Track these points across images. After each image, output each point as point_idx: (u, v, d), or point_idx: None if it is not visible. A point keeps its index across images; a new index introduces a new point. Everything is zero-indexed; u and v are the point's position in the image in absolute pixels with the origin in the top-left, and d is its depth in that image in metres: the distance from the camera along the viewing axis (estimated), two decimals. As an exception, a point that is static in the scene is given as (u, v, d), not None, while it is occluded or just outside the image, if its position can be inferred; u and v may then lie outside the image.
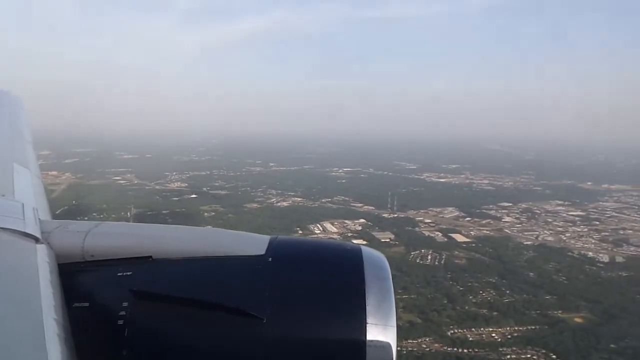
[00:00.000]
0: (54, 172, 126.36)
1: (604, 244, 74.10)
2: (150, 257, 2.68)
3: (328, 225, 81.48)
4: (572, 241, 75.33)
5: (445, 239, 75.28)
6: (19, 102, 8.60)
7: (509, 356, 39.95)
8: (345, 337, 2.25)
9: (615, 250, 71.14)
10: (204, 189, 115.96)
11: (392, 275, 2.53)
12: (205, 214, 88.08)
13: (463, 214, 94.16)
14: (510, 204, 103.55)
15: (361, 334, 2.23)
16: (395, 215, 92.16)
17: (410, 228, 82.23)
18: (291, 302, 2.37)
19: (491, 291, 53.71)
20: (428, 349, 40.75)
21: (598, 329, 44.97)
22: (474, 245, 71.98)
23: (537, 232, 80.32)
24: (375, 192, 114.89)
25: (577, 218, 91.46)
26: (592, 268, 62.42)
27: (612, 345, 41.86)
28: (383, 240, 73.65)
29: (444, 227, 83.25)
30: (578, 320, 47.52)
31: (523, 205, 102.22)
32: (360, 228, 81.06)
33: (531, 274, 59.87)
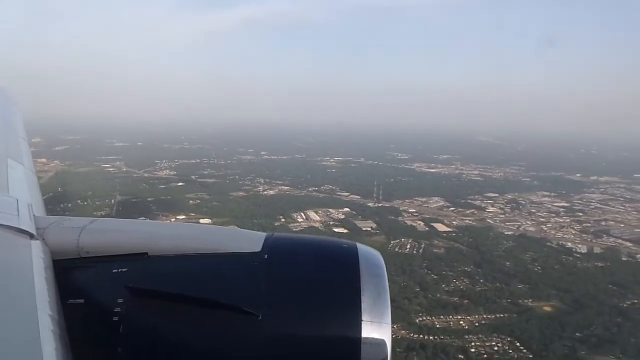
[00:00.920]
0: (43, 160, 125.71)
1: (584, 235, 74.57)
2: (146, 253, 2.67)
3: (312, 214, 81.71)
4: (553, 232, 75.74)
5: (427, 229, 75.61)
6: (13, 97, 8.58)
7: (473, 343, 40.37)
8: (340, 334, 2.26)
9: (594, 241, 71.61)
10: (192, 177, 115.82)
11: None
12: (191, 201, 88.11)
13: (448, 204, 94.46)
14: (497, 195, 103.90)
15: (356, 331, 2.24)
16: (380, 205, 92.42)
17: (393, 217, 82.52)
18: (287, 299, 2.37)
19: (465, 280, 54.12)
20: (394, 336, 40.81)
21: (565, 317, 45.44)
22: (454, 234, 72.32)
23: (519, 223, 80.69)
24: (363, 181, 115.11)
25: (561, 209, 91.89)
26: (568, 258, 62.85)
27: (577, 334, 42.31)
28: (364, 228, 73.95)
29: (427, 216, 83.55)
30: (547, 308, 47.99)
31: (509, 196, 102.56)
32: (343, 217, 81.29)
33: (507, 263, 60.29)
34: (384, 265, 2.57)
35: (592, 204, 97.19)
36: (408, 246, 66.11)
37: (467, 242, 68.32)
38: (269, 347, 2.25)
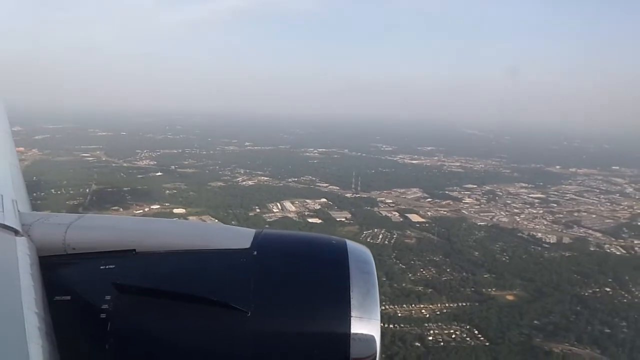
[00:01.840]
0: (21, 148, 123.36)
1: (555, 226, 75.51)
2: (134, 250, 2.63)
3: (288, 204, 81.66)
4: (525, 222, 76.58)
5: (401, 219, 76.04)
6: None
7: (432, 331, 40.82)
8: (329, 330, 2.24)
9: (565, 231, 72.56)
10: (172, 167, 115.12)
11: None
12: (167, 191, 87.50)
13: (426, 195, 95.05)
14: (475, 186, 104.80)
15: (345, 327, 2.22)
16: (358, 195, 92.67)
17: (369, 208, 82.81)
18: (276, 296, 2.35)
19: (432, 269, 54.58)
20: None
21: (526, 306, 46.08)
22: (427, 225, 72.81)
23: (493, 214, 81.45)
24: (344, 172, 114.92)
25: (536, 200, 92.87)
26: (537, 248, 63.65)
27: (535, 322, 42.96)
28: (338, 219, 74.14)
29: (403, 207, 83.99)
30: (509, 297, 48.62)
31: (487, 188, 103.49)
32: (319, 207, 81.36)
33: (476, 253, 60.87)
34: (373, 261, 2.58)
35: (568, 195, 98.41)
36: (380, 236, 66.43)
37: (439, 233, 68.82)
38: (258, 343, 2.23)
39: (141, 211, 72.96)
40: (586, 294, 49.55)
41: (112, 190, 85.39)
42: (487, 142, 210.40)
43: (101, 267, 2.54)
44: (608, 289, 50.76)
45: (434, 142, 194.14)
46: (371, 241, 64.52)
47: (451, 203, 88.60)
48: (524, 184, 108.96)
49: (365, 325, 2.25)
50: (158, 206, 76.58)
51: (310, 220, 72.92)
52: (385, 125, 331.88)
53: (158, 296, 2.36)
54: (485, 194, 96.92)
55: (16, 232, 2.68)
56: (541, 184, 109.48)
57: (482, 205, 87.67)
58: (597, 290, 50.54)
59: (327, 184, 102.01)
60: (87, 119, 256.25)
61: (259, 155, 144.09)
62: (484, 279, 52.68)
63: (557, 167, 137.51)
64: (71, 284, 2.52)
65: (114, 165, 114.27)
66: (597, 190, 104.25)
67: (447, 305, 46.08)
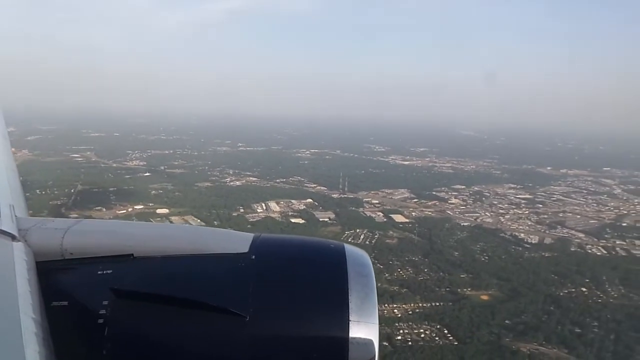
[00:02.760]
0: (12, 149, 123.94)
1: (539, 226, 75.46)
2: (132, 255, 2.62)
3: (273, 205, 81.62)
4: (509, 223, 76.52)
5: (385, 220, 75.94)
6: None
7: (402, 331, 40.72)
8: (328, 334, 2.24)
9: (548, 232, 72.51)
10: (161, 167, 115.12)
11: None
12: (153, 192, 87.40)
13: (413, 196, 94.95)
14: (463, 187, 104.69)
15: (344, 331, 2.22)
16: (345, 196, 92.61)
17: (353, 208, 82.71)
18: (274, 300, 2.34)
19: (409, 269, 54.49)
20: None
21: (499, 305, 46.00)
22: (410, 225, 72.77)
23: (478, 214, 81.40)
24: (334, 173, 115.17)
25: (522, 201, 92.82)
26: (517, 248, 63.58)
27: (506, 321, 42.94)
28: (322, 219, 74.06)
29: (388, 207, 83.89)
30: (484, 297, 48.54)
31: (475, 188, 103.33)
32: (303, 208, 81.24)
33: (456, 253, 60.84)
34: (371, 265, 2.58)
35: (555, 196, 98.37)
36: (362, 236, 66.37)
37: (421, 233, 68.82)
38: (256, 348, 2.22)
39: (124, 211, 72.96)
40: (561, 293, 49.48)
41: (97, 191, 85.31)
42: (481, 143, 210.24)
43: (99, 272, 2.53)
44: (584, 289, 50.70)
45: (427, 143, 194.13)
46: (352, 241, 64.29)
47: (437, 204, 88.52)
48: (512, 185, 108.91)
49: (364, 329, 2.25)
50: (142, 206, 76.50)
51: (293, 220, 72.89)
52: (381, 126, 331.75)
53: (156, 301, 2.35)
54: (472, 195, 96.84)
55: (13, 237, 2.66)
56: (530, 185, 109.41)
57: (468, 206, 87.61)
58: (573, 290, 50.50)
59: (315, 185, 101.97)
60: (82, 120, 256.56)
61: (251, 156, 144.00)
62: (461, 279, 52.61)
63: (548, 168, 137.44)
64: (68, 289, 2.50)
65: (102, 165, 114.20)
66: (585, 191, 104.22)
67: (420, 305, 45.97)
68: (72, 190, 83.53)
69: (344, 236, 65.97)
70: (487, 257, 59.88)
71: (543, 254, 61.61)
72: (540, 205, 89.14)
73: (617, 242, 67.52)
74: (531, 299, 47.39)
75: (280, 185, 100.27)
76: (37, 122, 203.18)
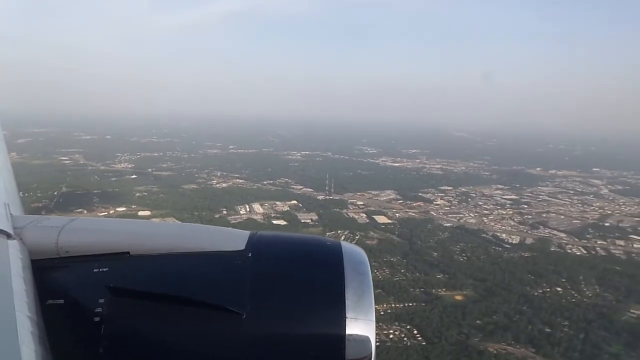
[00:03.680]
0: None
1: (521, 227, 75.54)
2: (128, 252, 2.60)
3: (256, 207, 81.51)
4: (492, 223, 76.58)
5: (368, 221, 75.92)
6: None
7: (371, 331, 40.55)
8: (324, 331, 2.23)
9: (530, 232, 72.60)
10: (149, 169, 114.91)
11: None
12: (137, 194, 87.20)
13: (398, 197, 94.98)
14: (451, 188, 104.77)
15: (340, 328, 2.21)
16: (330, 198, 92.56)
17: (337, 209, 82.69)
18: (271, 298, 2.33)
19: (386, 270, 54.41)
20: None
21: (471, 306, 45.96)
22: (392, 226, 72.75)
23: (461, 215, 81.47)
24: (322, 175, 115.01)
25: (508, 201, 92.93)
26: (497, 249, 63.59)
27: (477, 321, 42.89)
28: (304, 221, 73.97)
29: (373, 209, 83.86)
30: (458, 297, 48.50)
31: (462, 189, 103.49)
32: (287, 209, 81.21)
33: (435, 254, 60.82)
34: (368, 262, 2.56)
35: (541, 196, 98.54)
36: (342, 237, 65.81)
37: (402, 234, 68.79)
38: (253, 345, 2.21)
39: (105, 213, 72.73)
40: (536, 293, 49.49)
41: (80, 193, 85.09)
42: (473, 145, 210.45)
43: (94, 270, 2.51)
44: (559, 289, 50.74)
45: (420, 145, 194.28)
46: (332, 242, 64.35)
47: (422, 205, 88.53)
48: (500, 186, 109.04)
49: (361, 326, 2.23)
50: (124, 208, 76.29)
51: (275, 222, 72.76)
52: (375, 128, 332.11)
53: (152, 299, 2.33)
54: (458, 196, 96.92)
55: (8, 236, 2.63)
56: (517, 185, 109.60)
57: (453, 207, 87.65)
58: (548, 289, 50.52)
59: (301, 187, 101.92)
60: (76, 122, 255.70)
61: (241, 158, 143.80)
62: (436, 280, 52.58)
63: (538, 169, 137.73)
64: (64, 287, 2.48)
65: (90, 168, 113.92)
66: (572, 192, 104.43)
67: (392, 305, 45.89)
68: (56, 193, 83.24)
69: (324, 237, 65.76)
70: (465, 258, 59.88)
71: (522, 254, 61.64)
72: (525, 206, 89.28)
73: (598, 242, 67.66)
74: (504, 299, 47.37)
75: (266, 187, 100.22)
76: (30, 125, 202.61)
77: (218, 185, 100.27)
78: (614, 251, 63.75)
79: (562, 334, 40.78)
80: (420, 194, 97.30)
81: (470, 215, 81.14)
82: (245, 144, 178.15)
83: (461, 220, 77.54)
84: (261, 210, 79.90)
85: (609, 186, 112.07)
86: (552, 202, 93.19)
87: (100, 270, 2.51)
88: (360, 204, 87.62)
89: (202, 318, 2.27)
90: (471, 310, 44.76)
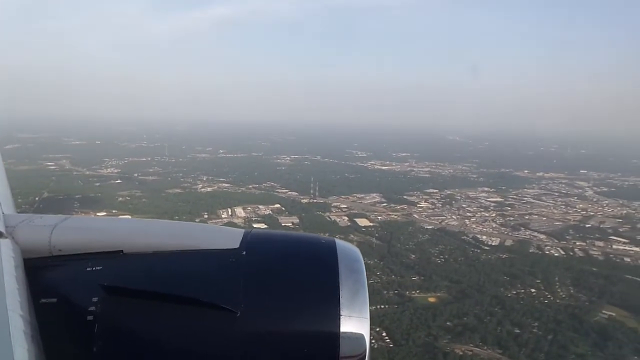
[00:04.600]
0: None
1: (502, 229, 75.61)
2: (121, 251, 2.58)
3: (239, 210, 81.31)
4: (474, 226, 76.62)
5: (349, 224, 75.90)
6: None
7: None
8: (319, 329, 2.22)
9: (510, 234, 72.67)
10: (135, 174, 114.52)
11: None
12: (119, 199, 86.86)
13: (383, 200, 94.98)
14: (436, 191, 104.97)
15: (335, 325, 2.19)
16: (314, 201, 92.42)
17: (320, 213, 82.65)
18: (265, 295, 2.31)
19: (361, 272, 54.19)
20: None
21: (443, 307, 45.90)
22: (372, 229, 72.69)
23: (443, 217, 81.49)
24: (309, 178, 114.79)
25: (492, 204, 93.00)
26: (475, 251, 63.58)
27: (447, 323, 42.81)
28: (284, 224, 73.88)
29: (355, 212, 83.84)
30: (431, 299, 48.41)
31: (448, 192, 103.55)
32: (269, 213, 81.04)
33: (413, 256, 60.80)
34: (363, 260, 2.55)
35: (525, 198, 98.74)
36: (322, 240, 66.06)
37: (382, 236, 68.73)
38: (247, 343, 2.20)
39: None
40: (509, 295, 49.51)
41: (62, 198, 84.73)
42: (464, 148, 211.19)
43: (88, 269, 2.49)
44: (533, 290, 50.78)
45: (410, 149, 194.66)
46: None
47: (405, 207, 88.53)
48: (486, 188, 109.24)
49: (355, 323, 2.23)
50: (104, 213, 75.87)
51: (255, 225, 72.37)
52: (367, 131, 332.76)
53: (146, 297, 2.31)
54: (443, 199, 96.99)
55: (0, 234, 2.61)
56: (503, 188, 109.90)
57: (436, 209, 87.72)
58: (522, 291, 50.54)
59: (286, 190, 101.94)
60: (67, 127, 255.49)
61: (229, 162, 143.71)
62: (411, 281, 52.53)
63: (525, 171, 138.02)
64: (57, 286, 2.46)
65: (75, 173, 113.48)
66: (557, 194, 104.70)
67: (364, 308, 45.65)
68: (37, 198, 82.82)
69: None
70: (443, 260, 59.85)
71: (500, 255, 61.67)
72: (509, 208, 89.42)
73: (577, 244, 67.77)
74: (477, 300, 47.31)
75: (251, 191, 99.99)
76: (19, 131, 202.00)
77: (203, 189, 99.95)
78: (592, 252, 63.86)
79: (530, 335, 40.70)
80: (405, 197, 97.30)
81: (453, 218, 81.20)
82: (236, 149, 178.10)
83: (443, 223, 77.59)
84: (243, 214, 79.69)
85: (595, 188, 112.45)
86: (535, 204, 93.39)
87: (94, 268, 2.49)
88: (344, 207, 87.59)
89: (196, 316, 2.25)
90: (442, 312, 44.69)
